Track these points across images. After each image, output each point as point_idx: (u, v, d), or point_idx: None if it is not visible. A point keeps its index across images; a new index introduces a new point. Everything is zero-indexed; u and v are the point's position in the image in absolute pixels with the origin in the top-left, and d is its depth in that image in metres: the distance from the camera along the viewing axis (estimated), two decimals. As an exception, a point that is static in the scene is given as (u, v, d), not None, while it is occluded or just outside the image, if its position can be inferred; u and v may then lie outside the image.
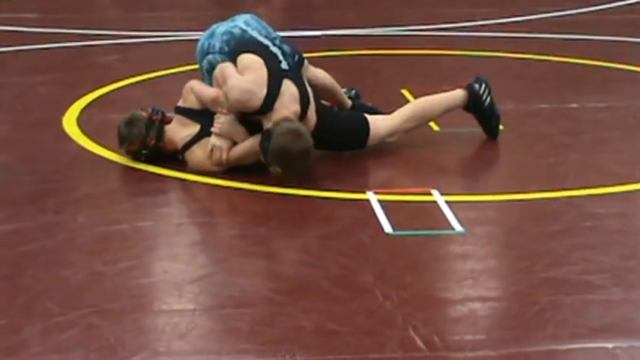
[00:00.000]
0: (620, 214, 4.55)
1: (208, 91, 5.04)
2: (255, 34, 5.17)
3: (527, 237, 4.31)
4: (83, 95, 6.35)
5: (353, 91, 5.73)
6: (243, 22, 5.23)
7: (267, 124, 4.85)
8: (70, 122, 5.82)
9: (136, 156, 5.10)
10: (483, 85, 5.43)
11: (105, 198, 4.78)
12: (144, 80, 6.58)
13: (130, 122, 5.04)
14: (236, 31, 5.16)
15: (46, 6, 9.74)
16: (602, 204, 4.64)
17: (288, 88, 4.91)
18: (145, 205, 4.78)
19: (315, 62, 5.57)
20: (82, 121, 5.81)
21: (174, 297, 3.78)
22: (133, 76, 6.79)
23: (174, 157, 5.08)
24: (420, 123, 5.38)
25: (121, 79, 6.73)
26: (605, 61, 7.21)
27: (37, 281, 3.89)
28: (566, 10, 9.17)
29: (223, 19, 5.39)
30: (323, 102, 5.30)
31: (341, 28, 8.46)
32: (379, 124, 5.25)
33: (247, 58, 4.97)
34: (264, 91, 4.86)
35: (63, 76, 6.98)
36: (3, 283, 3.89)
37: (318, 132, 4.95)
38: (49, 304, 3.67)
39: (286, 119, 4.82)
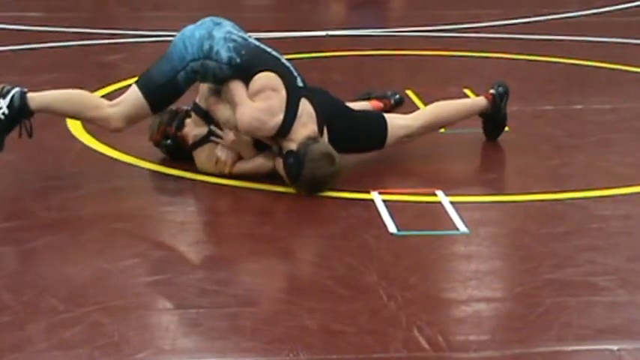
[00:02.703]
0: (625, 216, 4.55)
1: (220, 117, 4.87)
2: (257, 42, 4.94)
3: (532, 238, 4.30)
4: (88, 94, 6.35)
5: (397, 96, 5.67)
6: (231, 26, 4.95)
7: (290, 145, 4.72)
8: (74, 121, 5.81)
9: (160, 147, 5.10)
10: (505, 97, 5.37)
11: (109, 196, 4.78)
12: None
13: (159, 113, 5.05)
14: (238, 38, 4.87)
15: (50, 5, 9.74)
16: (607, 205, 4.63)
17: (306, 107, 4.79)
18: (150, 203, 4.78)
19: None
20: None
21: (179, 295, 3.77)
22: (138, 75, 6.78)
23: (181, 156, 5.07)
24: (439, 127, 5.33)
25: (125, 79, 6.72)
26: (610, 62, 7.21)
27: (41, 278, 3.89)
28: (572, 12, 9.16)
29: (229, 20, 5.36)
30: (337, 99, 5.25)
31: (346, 28, 8.46)
32: (397, 123, 5.15)
33: (264, 77, 4.76)
34: (280, 116, 4.70)
35: (68, 75, 6.97)
36: (8, 280, 3.89)
37: (335, 136, 4.88)
38: (53, 302, 3.67)
39: (310, 138, 4.71)
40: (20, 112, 4.80)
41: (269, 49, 4.92)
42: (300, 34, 8.18)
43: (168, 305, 3.73)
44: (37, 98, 4.85)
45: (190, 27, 4.93)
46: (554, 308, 3.64)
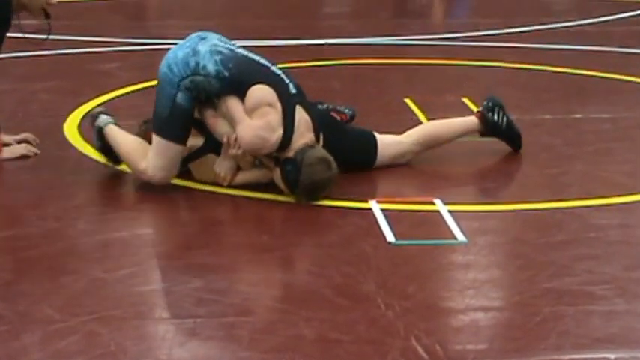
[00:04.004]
0: (623, 225, 4.55)
1: (219, 132, 4.83)
2: (245, 52, 4.88)
3: (530, 247, 4.30)
4: (84, 102, 6.35)
5: (351, 112, 5.61)
6: (217, 39, 4.89)
7: (287, 154, 4.71)
8: (71, 129, 5.81)
9: None
10: (496, 109, 5.34)
11: (106, 205, 4.78)
12: (145, 88, 6.57)
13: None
14: (224, 50, 4.81)
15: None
16: (605, 215, 4.63)
17: (302, 116, 4.76)
18: (147, 212, 4.77)
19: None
20: (83, 128, 5.80)
21: (176, 304, 3.77)
22: (134, 84, 6.79)
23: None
24: (432, 147, 5.29)
25: (122, 87, 6.74)
26: (609, 72, 7.22)
27: (37, 287, 3.88)
28: (570, 21, 9.18)
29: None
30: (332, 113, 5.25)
31: (344, 37, 8.47)
32: (389, 143, 5.14)
33: (258, 92, 4.72)
34: (280, 131, 4.67)
35: (64, 83, 6.98)
36: (3, 289, 3.88)
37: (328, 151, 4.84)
38: (49, 311, 3.66)
39: (307, 146, 4.70)
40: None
41: (257, 58, 4.87)
42: (303, 43, 8.18)
43: (165, 314, 3.72)
44: (112, 133, 4.98)
45: (172, 49, 4.88)
46: (552, 317, 3.64)
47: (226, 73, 4.74)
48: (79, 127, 5.86)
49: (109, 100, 6.45)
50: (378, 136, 5.16)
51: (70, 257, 4.20)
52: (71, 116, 6.06)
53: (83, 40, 8.23)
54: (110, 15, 9.84)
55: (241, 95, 4.73)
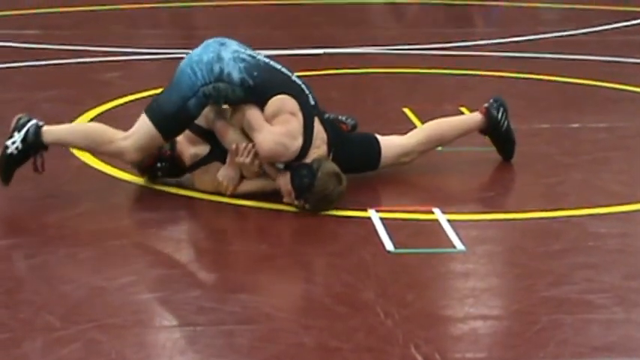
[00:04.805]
0: (621, 234, 4.56)
1: (228, 140, 4.83)
2: (266, 60, 4.86)
3: (529, 256, 4.31)
4: (85, 111, 6.37)
5: (353, 122, 5.60)
6: (237, 45, 4.88)
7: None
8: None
9: (152, 173, 5.02)
10: (501, 110, 5.35)
11: (107, 213, 4.78)
12: (145, 97, 6.59)
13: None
14: (247, 57, 4.80)
15: (48, 22, 9.78)
16: (602, 223, 4.65)
17: (319, 129, 4.77)
18: (147, 221, 4.78)
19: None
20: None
21: (176, 313, 3.77)
22: (135, 93, 6.81)
23: (175, 174, 5.07)
24: (436, 146, 5.30)
25: (122, 96, 6.75)
26: (606, 81, 7.24)
27: (38, 296, 3.89)
28: (568, 30, 9.20)
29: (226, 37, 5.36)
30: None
31: (342, 46, 8.49)
32: (392, 144, 5.14)
33: (280, 100, 4.70)
34: (300, 139, 4.68)
35: (65, 93, 7.00)
36: (4, 297, 3.89)
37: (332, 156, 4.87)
38: (50, 319, 3.67)
39: (321, 157, 4.72)
40: (34, 146, 4.80)
41: (279, 66, 4.86)
42: (301, 52, 8.21)
43: (165, 323, 3.73)
44: (51, 132, 4.84)
45: (196, 51, 4.85)
46: (551, 326, 3.65)
47: (251, 82, 4.73)
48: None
49: (110, 110, 6.47)
50: (380, 138, 5.15)
51: (71, 265, 4.21)
52: (72, 125, 6.07)
53: (85, 49, 8.25)
54: (111, 24, 9.86)
55: (261, 104, 4.72)
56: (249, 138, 4.78)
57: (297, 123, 4.70)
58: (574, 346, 3.52)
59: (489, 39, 8.75)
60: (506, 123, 5.39)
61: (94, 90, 7.03)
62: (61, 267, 4.19)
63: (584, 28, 9.28)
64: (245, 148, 4.76)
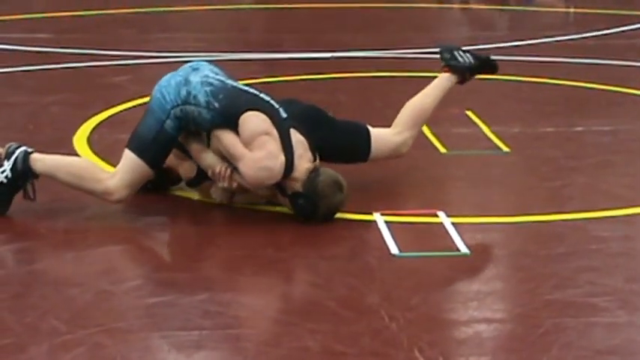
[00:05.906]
0: (624, 237, 4.57)
1: (204, 165, 4.78)
2: (234, 83, 4.82)
3: (532, 259, 4.33)
4: (94, 115, 6.41)
5: None
6: (209, 70, 4.85)
7: (294, 185, 4.64)
8: (80, 142, 5.86)
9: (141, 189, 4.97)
10: (455, 54, 5.26)
11: (113, 218, 4.81)
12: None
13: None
14: (215, 82, 4.76)
15: (58, 26, 9.82)
16: (606, 227, 4.66)
17: (297, 138, 4.71)
18: (153, 225, 4.80)
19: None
20: (92, 141, 5.86)
21: (181, 317, 3.79)
22: (144, 97, 6.82)
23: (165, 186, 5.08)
24: (424, 122, 5.23)
25: (131, 100, 6.78)
26: (610, 84, 7.24)
27: (44, 300, 3.91)
28: (571, 34, 9.21)
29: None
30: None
31: (350, 50, 8.51)
32: (383, 134, 5.06)
33: (252, 121, 4.65)
34: (281, 157, 4.61)
35: (74, 96, 7.03)
36: (10, 301, 3.92)
37: (316, 145, 4.79)
38: (56, 323, 3.69)
39: (311, 172, 4.64)
40: (23, 175, 4.76)
41: (246, 88, 4.83)
42: (309, 56, 8.22)
43: (171, 327, 3.74)
44: (40, 162, 4.77)
45: (166, 76, 4.86)
46: (554, 329, 3.66)
47: (216, 104, 4.69)
48: (89, 139, 5.91)
49: (119, 113, 6.50)
50: (372, 129, 5.07)
51: (77, 269, 4.23)
52: (81, 129, 6.11)
53: (93, 53, 8.28)
54: (120, 28, 9.90)
55: (233, 126, 4.67)
56: (227, 160, 4.73)
57: (274, 142, 4.63)
58: (577, 349, 3.53)
59: (494, 43, 8.76)
60: (469, 57, 5.28)
61: (103, 94, 7.06)
62: (67, 271, 4.22)
63: (588, 32, 9.28)
64: (219, 173, 4.71)
